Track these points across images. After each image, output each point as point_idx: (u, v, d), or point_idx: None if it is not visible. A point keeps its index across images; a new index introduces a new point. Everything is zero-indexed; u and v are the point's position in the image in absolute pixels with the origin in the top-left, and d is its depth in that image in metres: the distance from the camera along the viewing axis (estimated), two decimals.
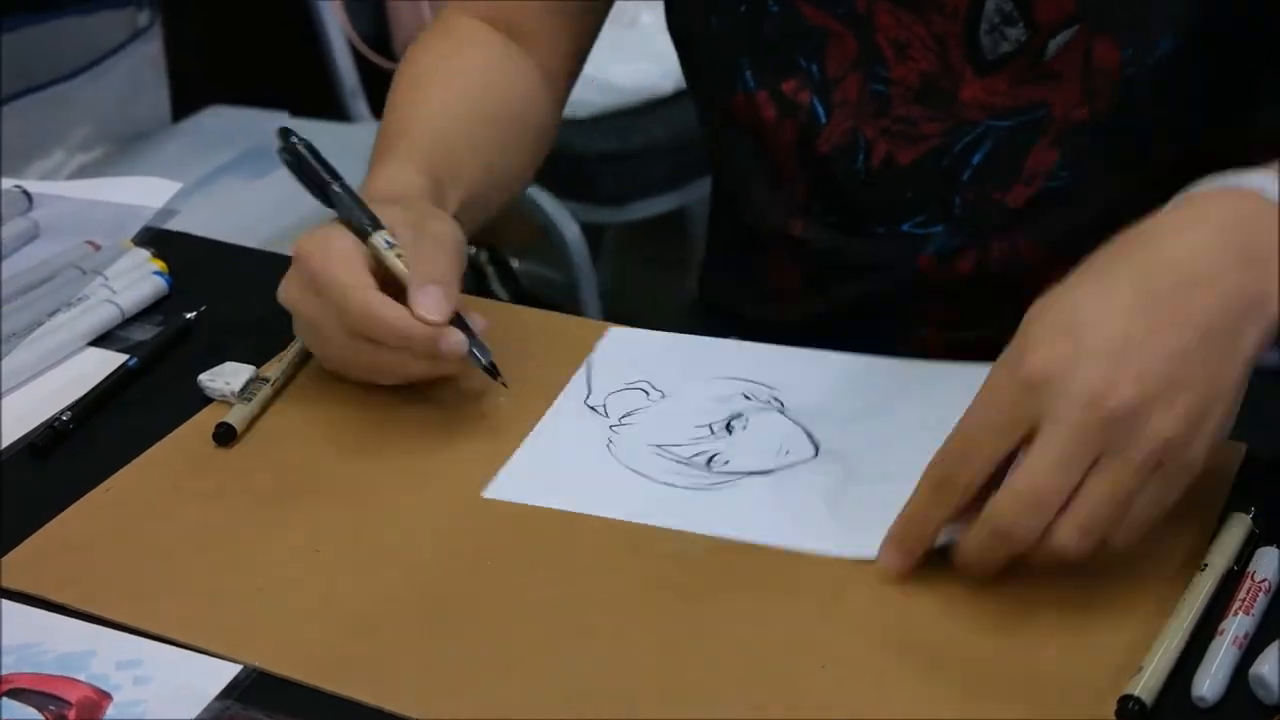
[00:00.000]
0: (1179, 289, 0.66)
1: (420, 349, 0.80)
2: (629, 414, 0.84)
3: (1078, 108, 0.91)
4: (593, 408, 0.84)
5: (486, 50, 1.03)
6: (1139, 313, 0.66)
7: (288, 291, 0.84)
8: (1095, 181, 0.93)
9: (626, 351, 0.89)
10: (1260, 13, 0.90)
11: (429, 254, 0.82)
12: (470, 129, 0.97)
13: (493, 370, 0.82)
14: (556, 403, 0.84)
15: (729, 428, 0.82)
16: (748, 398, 0.84)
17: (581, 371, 0.87)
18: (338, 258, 0.81)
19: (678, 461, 0.79)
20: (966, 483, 0.67)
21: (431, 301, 0.80)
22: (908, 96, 0.94)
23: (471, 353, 0.81)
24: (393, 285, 0.81)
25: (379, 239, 0.82)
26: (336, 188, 0.85)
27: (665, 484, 0.78)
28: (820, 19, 0.95)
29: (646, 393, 0.85)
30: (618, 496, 0.77)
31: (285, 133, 0.88)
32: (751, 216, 1.05)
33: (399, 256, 0.82)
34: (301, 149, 0.88)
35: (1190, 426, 0.65)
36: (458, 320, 0.81)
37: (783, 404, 0.83)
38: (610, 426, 0.82)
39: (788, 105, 0.97)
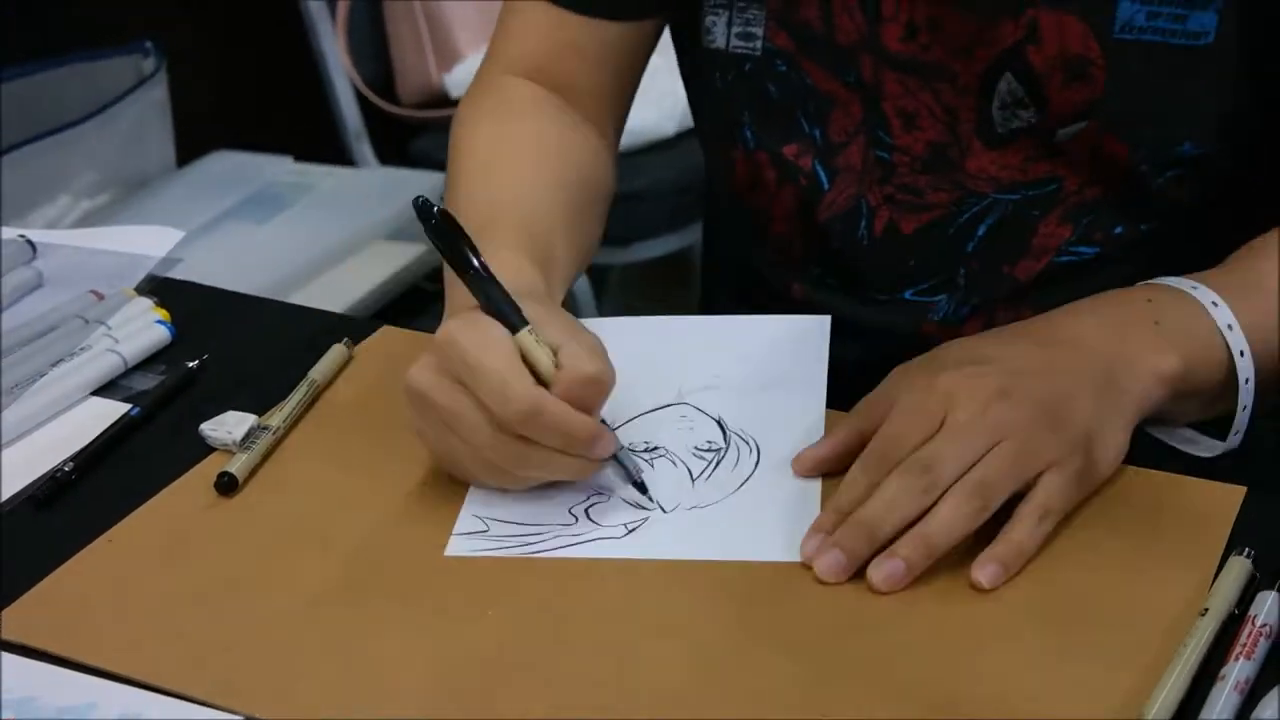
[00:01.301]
0: (1067, 348, 0.78)
1: (578, 448, 0.76)
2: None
3: (1091, 186, 0.91)
4: None
5: (548, 117, 0.99)
6: (1036, 356, 0.78)
7: (423, 379, 0.77)
8: (1107, 257, 0.93)
9: None
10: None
11: (582, 353, 0.77)
12: (556, 208, 0.93)
13: (642, 487, 0.79)
14: None
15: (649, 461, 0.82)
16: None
17: None
18: (496, 349, 0.75)
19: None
20: (892, 463, 0.74)
21: (591, 398, 0.76)
22: (914, 165, 0.94)
23: (619, 462, 0.79)
24: None
25: (527, 335, 0.77)
26: (480, 272, 0.78)
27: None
28: (826, 84, 0.94)
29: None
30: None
31: (426, 205, 0.79)
32: (749, 277, 1.05)
33: (540, 347, 0.76)
34: (445, 228, 0.79)
35: (1068, 444, 0.74)
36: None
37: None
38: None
39: (789, 169, 0.97)
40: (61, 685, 0.70)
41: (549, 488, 0.80)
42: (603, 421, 0.78)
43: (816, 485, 0.79)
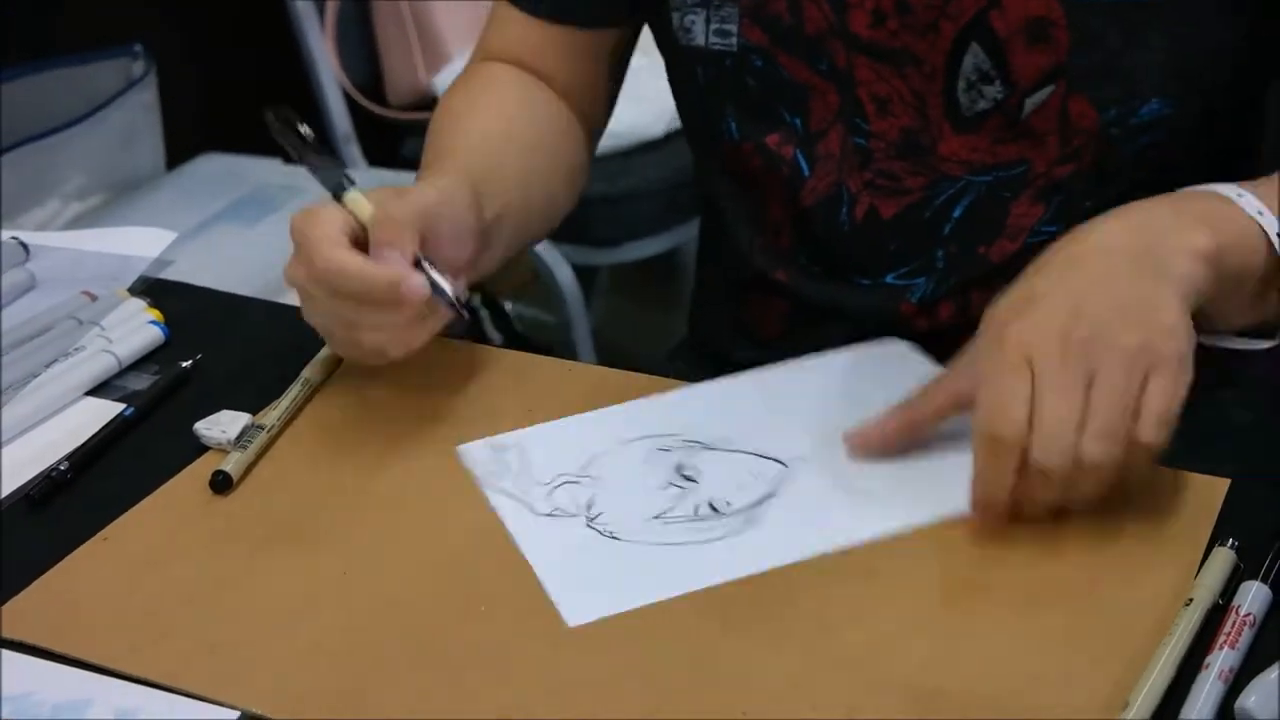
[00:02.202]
0: (1098, 255, 0.77)
1: (382, 295, 0.82)
2: (588, 506, 0.80)
3: (1060, 165, 0.92)
4: (549, 514, 0.80)
5: (520, 87, 1.05)
6: (1075, 277, 0.76)
7: (288, 268, 0.85)
8: None
9: (505, 461, 0.84)
10: (1247, 75, 0.90)
11: (393, 206, 0.84)
12: (508, 154, 0.98)
13: (456, 305, 0.84)
14: (509, 528, 0.79)
15: (687, 477, 0.81)
16: (665, 450, 0.83)
17: (496, 496, 0.81)
18: (318, 220, 0.83)
19: (690, 520, 0.79)
20: (1013, 441, 0.72)
21: (385, 256, 0.82)
22: (889, 151, 0.95)
23: (437, 291, 0.83)
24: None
25: (353, 195, 0.85)
26: (321, 159, 0.87)
27: (703, 543, 0.77)
28: (803, 74, 0.96)
29: (578, 483, 0.82)
30: (665, 573, 0.75)
31: (273, 111, 0.88)
32: (738, 262, 1.06)
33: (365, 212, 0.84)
34: (291, 120, 0.89)
35: (1150, 332, 0.73)
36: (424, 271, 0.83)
37: (700, 441, 0.83)
38: (586, 524, 0.79)
39: (772, 158, 0.99)
40: (59, 681, 0.71)
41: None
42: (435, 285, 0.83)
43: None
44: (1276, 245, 0.79)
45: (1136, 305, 0.74)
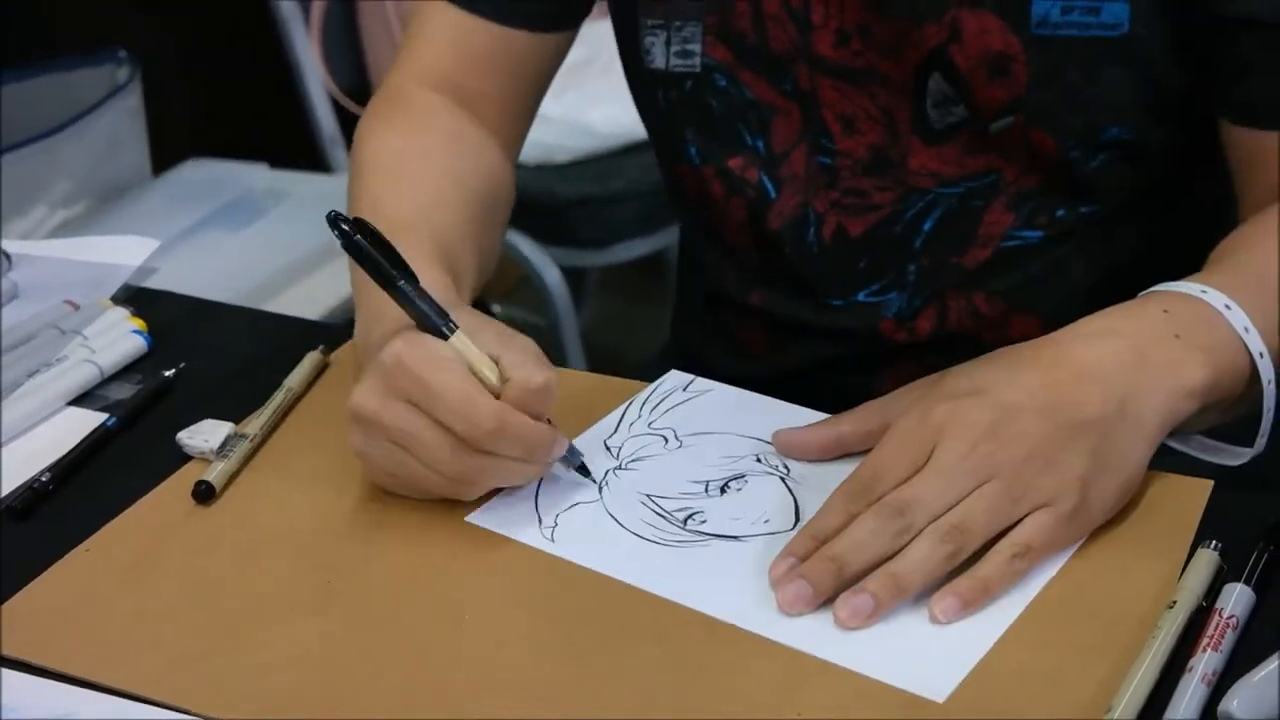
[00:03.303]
0: (1075, 381, 0.74)
1: (540, 455, 0.77)
2: (637, 459, 0.83)
3: (1027, 176, 0.92)
4: (609, 447, 0.84)
5: (452, 130, 1.00)
6: (1038, 390, 0.74)
7: (370, 402, 0.76)
8: (1051, 239, 0.94)
9: (671, 396, 0.88)
10: (1204, 94, 0.89)
11: (524, 359, 0.77)
12: (461, 220, 0.93)
13: (585, 471, 0.81)
14: (581, 437, 0.84)
15: (724, 488, 0.81)
16: (758, 460, 0.83)
17: (619, 409, 0.87)
18: (449, 367, 0.75)
19: (658, 514, 0.80)
20: (873, 496, 0.73)
21: (542, 405, 0.76)
22: (856, 169, 0.95)
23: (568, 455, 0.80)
24: None
25: (457, 342, 0.77)
26: (404, 284, 0.78)
27: (636, 535, 0.78)
28: (766, 95, 0.95)
29: (665, 440, 0.85)
30: (589, 542, 0.77)
31: (340, 220, 0.78)
32: (711, 282, 1.06)
33: (480, 362, 0.77)
34: (365, 241, 0.78)
35: (1069, 491, 0.72)
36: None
37: (788, 470, 0.82)
38: (612, 470, 0.83)
39: (735, 182, 0.98)
40: (41, 695, 0.71)
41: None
42: (548, 420, 0.78)
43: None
44: (1260, 366, 0.77)
45: (1064, 456, 0.72)
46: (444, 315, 0.77)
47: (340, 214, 0.78)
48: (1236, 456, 0.80)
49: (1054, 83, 0.88)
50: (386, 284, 0.78)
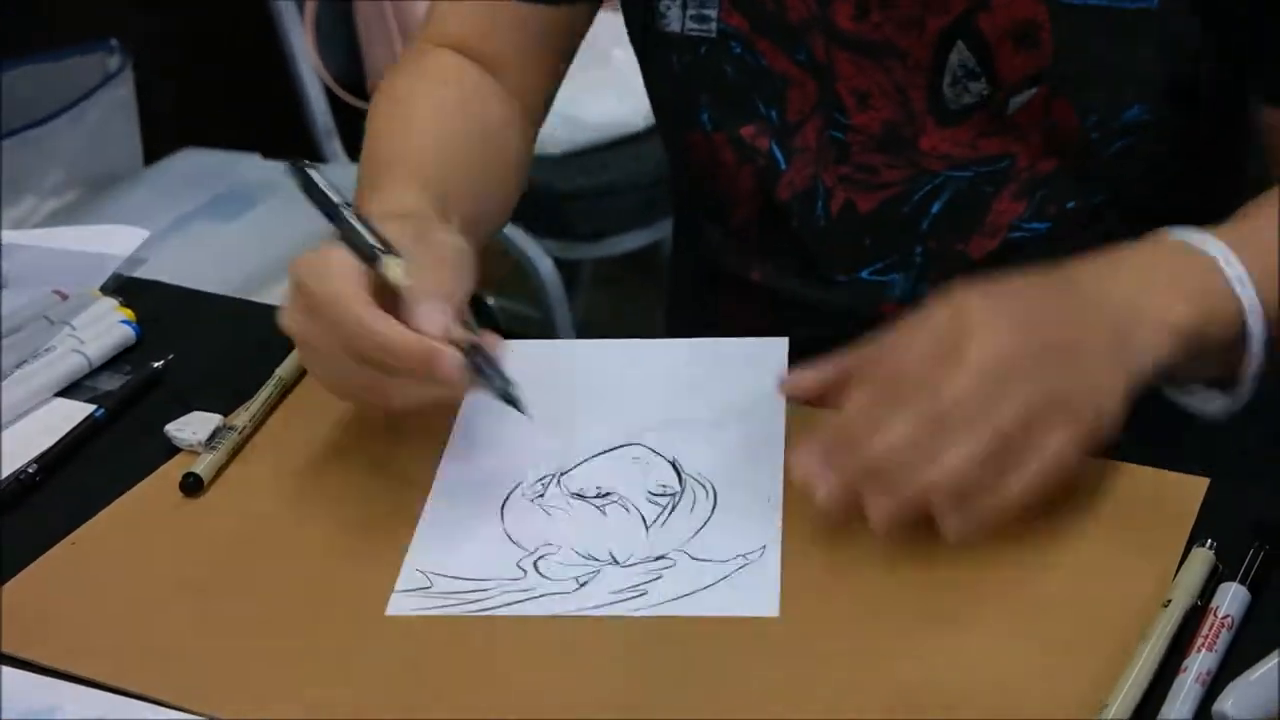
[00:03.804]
0: (1086, 298, 0.75)
1: (416, 369, 0.74)
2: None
3: (1043, 160, 0.92)
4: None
5: (463, 77, 1.02)
6: (1053, 303, 0.75)
7: (288, 315, 0.78)
8: (1061, 232, 0.94)
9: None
10: (1230, 77, 0.89)
11: (427, 267, 0.77)
12: (459, 154, 0.94)
13: (509, 399, 0.76)
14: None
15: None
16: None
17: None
18: (335, 274, 0.76)
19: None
20: (904, 390, 0.71)
21: (424, 314, 0.74)
22: (868, 145, 0.94)
23: (483, 374, 0.75)
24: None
25: (392, 262, 0.76)
26: (346, 211, 0.80)
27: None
28: (781, 64, 0.95)
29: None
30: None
31: (295, 167, 0.82)
32: (711, 261, 1.06)
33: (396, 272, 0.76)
34: (312, 173, 0.82)
35: (1090, 393, 0.72)
36: (476, 350, 0.75)
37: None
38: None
39: (746, 151, 0.98)
40: (27, 688, 0.70)
41: (494, 542, 0.76)
42: (473, 344, 0.75)
43: (776, 541, 0.75)
44: (1249, 324, 0.77)
45: (1085, 368, 0.72)
46: (381, 239, 0.77)
47: (293, 161, 0.82)
48: (1217, 404, 0.80)
49: (1079, 54, 0.88)
50: (328, 214, 0.80)
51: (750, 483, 0.79)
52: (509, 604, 0.73)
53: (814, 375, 0.79)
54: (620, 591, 0.73)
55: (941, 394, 0.70)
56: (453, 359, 0.74)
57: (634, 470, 0.81)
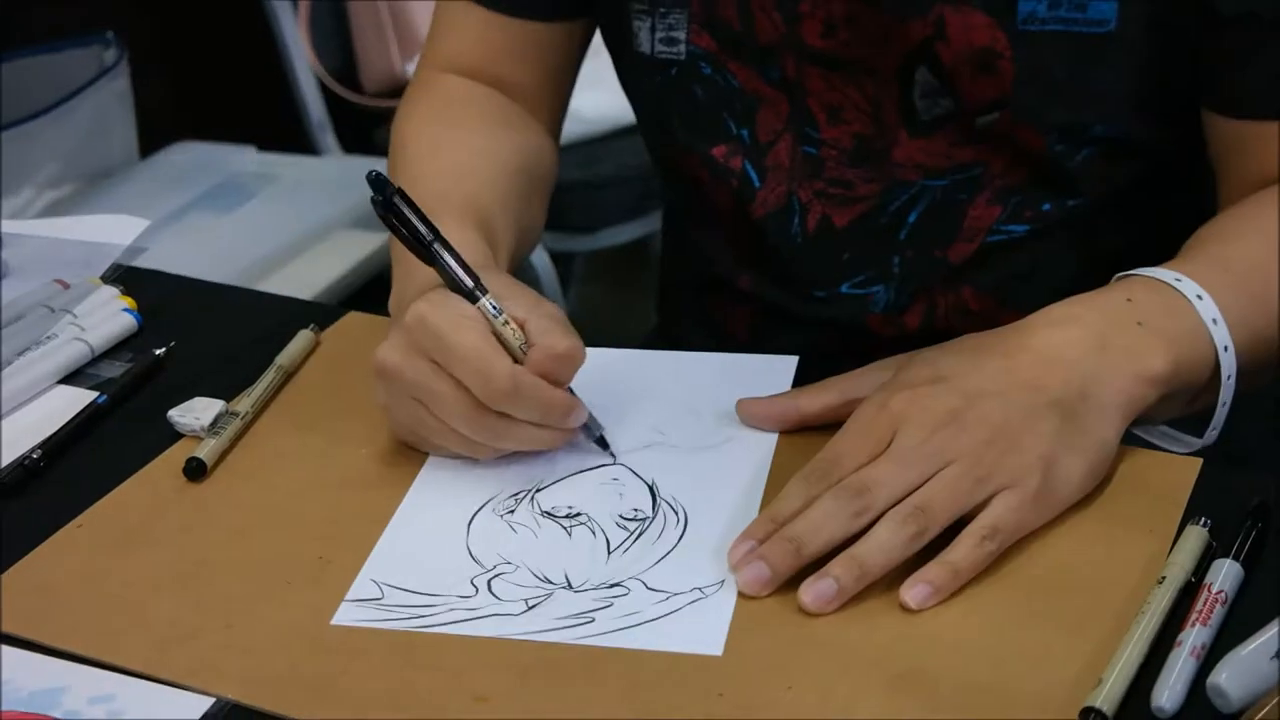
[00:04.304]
0: (1037, 364, 0.75)
1: (555, 420, 0.77)
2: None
3: (1013, 170, 0.92)
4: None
5: (488, 108, 1.01)
6: (999, 375, 0.75)
7: (393, 357, 0.78)
8: (1037, 233, 0.94)
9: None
10: (1194, 103, 0.89)
11: (550, 325, 0.78)
12: (498, 190, 0.94)
13: (604, 443, 0.81)
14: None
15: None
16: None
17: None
18: (470, 326, 0.76)
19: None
20: (831, 480, 0.73)
21: (558, 370, 0.77)
22: (841, 159, 0.94)
23: (585, 425, 0.80)
24: None
25: (487, 304, 0.78)
26: (439, 247, 0.79)
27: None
28: (753, 84, 0.95)
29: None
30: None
31: (381, 181, 0.79)
32: (701, 264, 1.06)
33: (505, 325, 0.78)
34: (401, 203, 0.79)
35: (1032, 471, 0.72)
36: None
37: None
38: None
39: (720, 170, 0.97)
40: (34, 669, 0.71)
41: (454, 556, 0.76)
42: (570, 390, 0.79)
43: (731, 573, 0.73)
44: (1222, 360, 0.78)
45: (1027, 437, 0.72)
46: (474, 276, 0.78)
47: (382, 174, 0.80)
48: (1188, 445, 0.80)
49: (1040, 79, 0.88)
50: (419, 245, 0.79)
51: (725, 510, 0.77)
52: (454, 622, 0.71)
53: (770, 407, 0.81)
54: (566, 618, 0.71)
55: (867, 477, 0.72)
56: (583, 412, 0.79)
57: (609, 492, 0.80)
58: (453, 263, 0.79)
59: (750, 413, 0.83)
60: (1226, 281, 0.79)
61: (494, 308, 0.78)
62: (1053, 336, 0.76)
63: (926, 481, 0.72)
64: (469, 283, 0.78)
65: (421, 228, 0.79)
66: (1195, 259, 0.82)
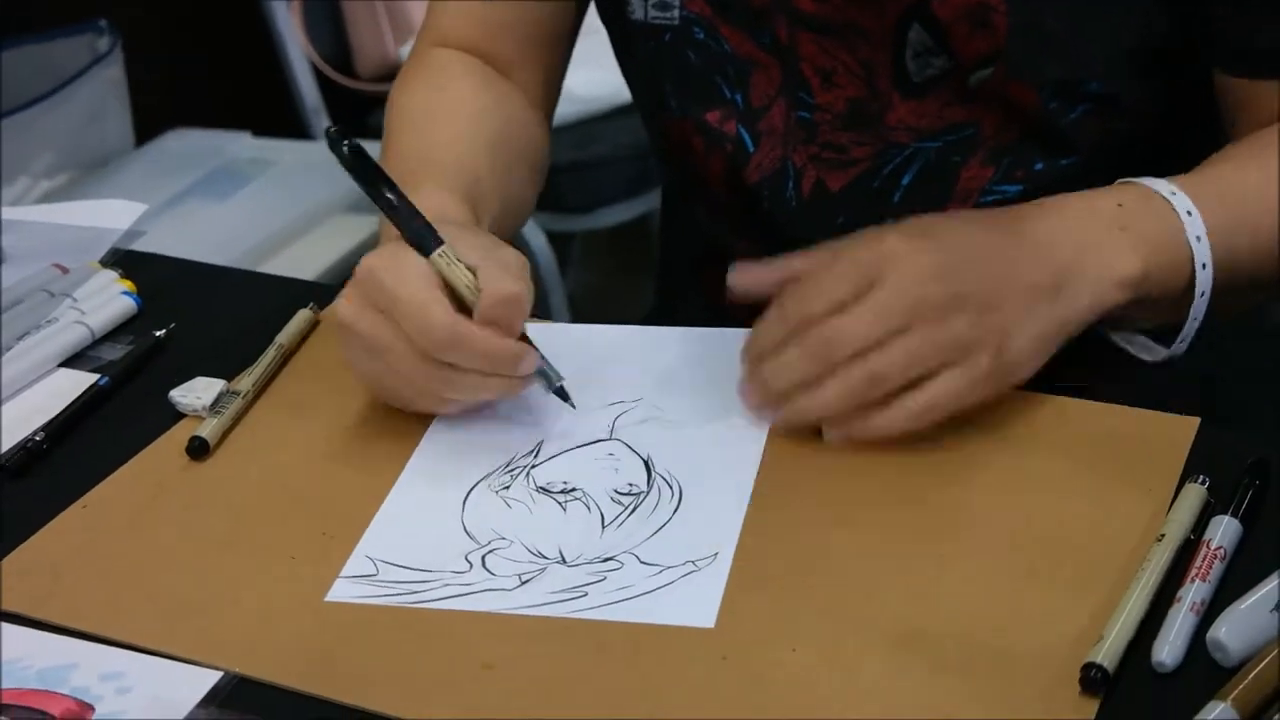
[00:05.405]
0: (1021, 246, 0.79)
1: (502, 368, 0.78)
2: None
3: (1006, 130, 0.92)
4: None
5: (480, 82, 1.01)
6: (983, 241, 0.79)
7: (347, 311, 0.79)
8: (1030, 193, 0.93)
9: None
10: (1189, 61, 0.90)
11: (500, 273, 0.79)
12: (485, 158, 0.94)
13: (563, 394, 0.82)
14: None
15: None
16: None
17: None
18: (413, 276, 0.77)
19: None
20: (804, 315, 0.77)
21: (503, 317, 0.77)
22: (835, 123, 0.95)
23: (541, 373, 0.81)
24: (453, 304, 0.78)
25: (443, 255, 0.79)
26: (396, 201, 0.81)
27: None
28: (745, 48, 0.95)
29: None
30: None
31: (339, 135, 0.81)
32: (697, 235, 1.06)
33: (459, 275, 0.78)
34: (352, 155, 0.81)
35: (986, 338, 0.76)
36: (532, 348, 0.80)
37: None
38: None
39: (714, 135, 0.98)
40: (43, 647, 0.71)
41: (448, 531, 0.76)
42: (524, 337, 0.79)
43: (730, 546, 0.73)
44: (1198, 276, 0.80)
45: (995, 306, 0.76)
46: (429, 230, 0.79)
47: (340, 129, 0.81)
48: (1154, 354, 0.83)
49: (1034, 32, 0.88)
50: (375, 197, 0.81)
51: (720, 482, 0.77)
52: (447, 598, 0.72)
53: (763, 272, 0.82)
54: (560, 592, 0.71)
55: (832, 330, 0.76)
56: (532, 360, 0.79)
57: (604, 467, 0.80)
58: (407, 217, 0.80)
59: (744, 279, 0.84)
60: (1219, 202, 0.82)
61: (449, 258, 0.78)
62: (1042, 221, 0.80)
63: (891, 338, 0.75)
64: (422, 234, 0.79)
65: (380, 183, 0.81)
66: (1196, 177, 0.84)
